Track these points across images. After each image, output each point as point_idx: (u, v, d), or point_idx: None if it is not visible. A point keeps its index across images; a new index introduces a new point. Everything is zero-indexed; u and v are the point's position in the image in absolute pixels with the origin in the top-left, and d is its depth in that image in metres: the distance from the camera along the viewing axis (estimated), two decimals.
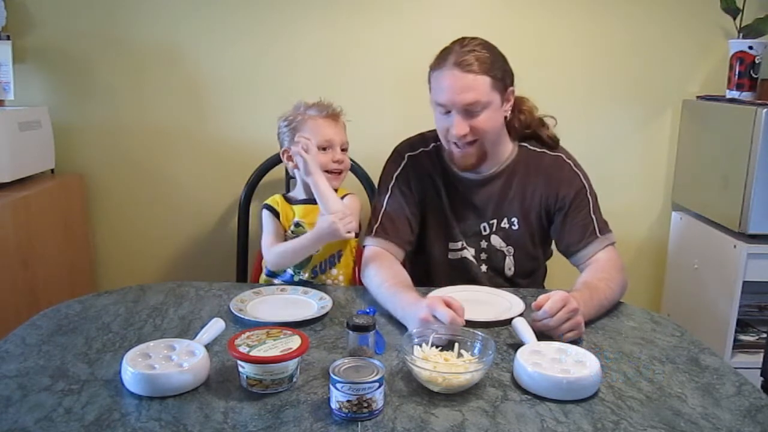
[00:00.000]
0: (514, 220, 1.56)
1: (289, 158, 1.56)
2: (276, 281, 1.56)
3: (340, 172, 1.55)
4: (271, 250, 1.51)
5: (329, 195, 1.46)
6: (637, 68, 2.14)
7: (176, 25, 2.06)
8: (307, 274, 1.55)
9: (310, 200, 1.54)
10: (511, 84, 1.49)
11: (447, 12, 2.08)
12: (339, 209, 1.44)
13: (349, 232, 1.43)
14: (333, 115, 1.57)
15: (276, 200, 1.59)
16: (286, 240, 1.54)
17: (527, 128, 1.57)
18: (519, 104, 1.56)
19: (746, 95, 1.96)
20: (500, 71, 1.44)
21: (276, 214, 1.56)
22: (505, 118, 1.51)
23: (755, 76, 1.96)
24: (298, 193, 1.60)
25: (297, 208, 1.57)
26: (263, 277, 1.61)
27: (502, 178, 1.55)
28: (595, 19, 2.10)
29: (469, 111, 1.43)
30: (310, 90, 2.06)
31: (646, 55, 2.13)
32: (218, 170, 2.16)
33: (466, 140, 1.46)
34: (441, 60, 1.45)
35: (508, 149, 1.57)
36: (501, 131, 1.53)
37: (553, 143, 1.58)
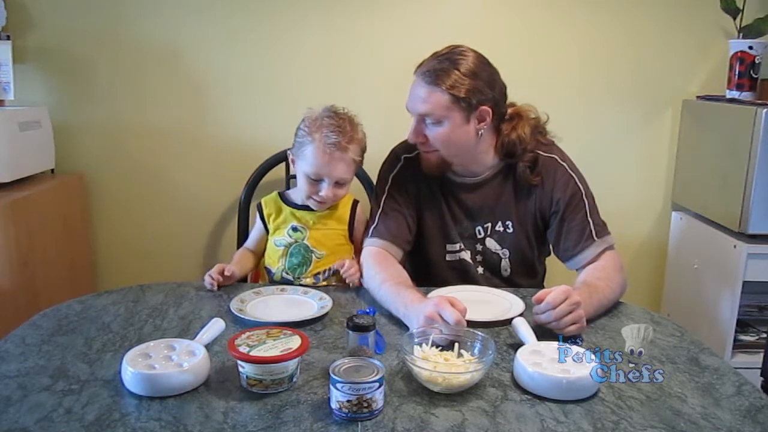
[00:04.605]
0: (509, 223, 1.55)
1: (293, 161, 1.57)
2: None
3: (322, 202, 1.54)
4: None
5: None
6: (637, 68, 2.14)
7: (177, 26, 2.06)
8: (308, 279, 1.55)
9: (309, 207, 1.58)
10: (489, 104, 1.42)
11: (446, 12, 2.08)
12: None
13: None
14: (341, 147, 1.47)
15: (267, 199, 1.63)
16: (264, 243, 1.63)
17: (509, 155, 1.50)
18: (511, 127, 1.49)
19: (746, 95, 1.96)
20: (468, 90, 1.39)
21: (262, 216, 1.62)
22: (480, 134, 1.45)
23: (755, 76, 1.96)
24: (297, 195, 1.60)
25: (295, 211, 1.58)
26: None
27: (495, 182, 1.54)
28: (595, 19, 2.10)
29: (425, 121, 1.44)
30: (309, 90, 2.08)
31: (646, 55, 2.13)
32: (218, 170, 2.16)
33: (423, 148, 1.48)
34: (419, 65, 1.46)
35: (490, 158, 1.52)
36: (471, 147, 1.47)
37: (531, 174, 1.50)
